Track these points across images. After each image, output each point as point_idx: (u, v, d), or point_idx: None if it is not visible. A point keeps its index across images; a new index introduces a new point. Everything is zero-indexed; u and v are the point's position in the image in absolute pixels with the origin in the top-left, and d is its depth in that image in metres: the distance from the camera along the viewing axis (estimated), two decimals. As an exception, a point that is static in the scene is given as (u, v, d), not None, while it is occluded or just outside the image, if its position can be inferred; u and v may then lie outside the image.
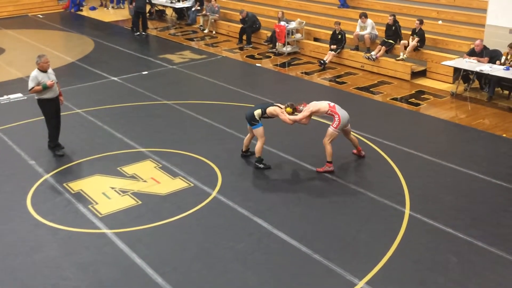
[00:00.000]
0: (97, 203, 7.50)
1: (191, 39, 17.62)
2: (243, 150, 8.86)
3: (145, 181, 8.10)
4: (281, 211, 7.27)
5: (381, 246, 6.39)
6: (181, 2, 20.20)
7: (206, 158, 8.78)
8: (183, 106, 11.21)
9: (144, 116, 10.79)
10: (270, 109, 8.29)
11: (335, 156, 8.45)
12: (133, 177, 8.23)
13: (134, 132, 9.90)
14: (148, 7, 19.22)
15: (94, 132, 9.98)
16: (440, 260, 6.14)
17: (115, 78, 13.32)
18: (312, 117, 8.43)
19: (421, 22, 12.98)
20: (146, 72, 13.84)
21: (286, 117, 8.23)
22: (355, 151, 8.70)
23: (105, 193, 7.77)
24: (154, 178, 8.18)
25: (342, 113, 8.12)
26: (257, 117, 8.30)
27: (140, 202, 7.51)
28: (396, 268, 6.02)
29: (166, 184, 8.00)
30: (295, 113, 8.36)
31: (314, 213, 7.20)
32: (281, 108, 8.32)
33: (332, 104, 8.21)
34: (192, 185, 7.96)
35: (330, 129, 8.17)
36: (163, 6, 21.01)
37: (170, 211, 7.27)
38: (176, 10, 20.52)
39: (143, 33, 18.25)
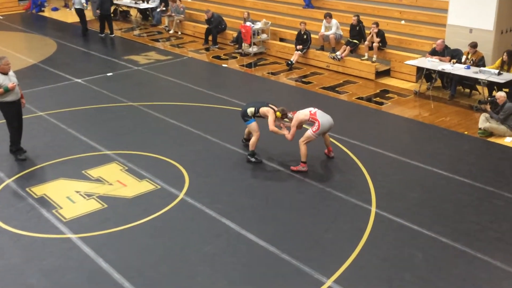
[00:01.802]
0: (61, 208, 7.35)
1: (157, 40, 17.47)
2: (244, 137, 9.13)
3: (111, 184, 7.98)
4: (249, 212, 7.27)
5: (348, 245, 6.45)
6: (145, 2, 20.02)
7: (173, 160, 8.71)
8: (149, 108, 11.10)
9: (109, 118, 10.64)
10: (263, 109, 8.46)
11: (295, 152, 8.49)
12: (98, 180, 8.10)
13: (99, 135, 9.75)
14: (113, 8, 19.00)
15: (57, 135, 9.79)
16: (406, 257, 6.23)
17: (79, 80, 13.10)
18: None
19: (377, 25, 13.15)
20: (110, 74, 13.65)
21: (271, 123, 8.35)
22: (326, 151, 8.76)
23: (69, 197, 7.62)
24: (120, 181, 8.07)
25: (323, 120, 8.17)
26: (249, 114, 8.48)
27: (106, 206, 7.39)
28: (363, 266, 6.09)
29: (132, 186, 7.90)
30: (285, 119, 8.53)
31: (282, 213, 7.22)
32: (273, 111, 8.42)
33: (314, 111, 8.26)
34: (159, 187, 7.88)
35: (309, 132, 8.22)
36: (128, 7, 20.76)
37: (137, 214, 7.19)
38: (140, 11, 20.32)
39: (111, 35, 17.91)
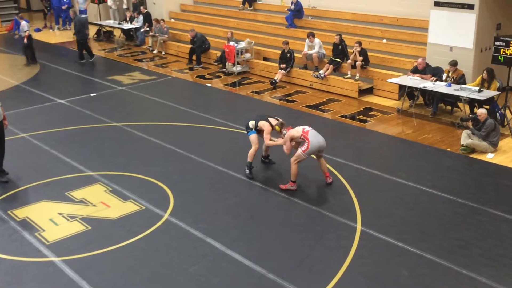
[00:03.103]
0: (44, 230, 7.25)
1: (140, 60, 17.48)
2: (262, 155, 9.19)
3: (94, 205, 7.91)
4: (234, 231, 7.24)
5: (334, 263, 6.44)
6: (129, 23, 20.06)
7: (157, 180, 8.66)
8: (133, 128, 11.06)
9: (92, 139, 10.58)
10: (261, 123, 8.64)
11: (287, 174, 8.51)
12: (82, 201, 8.01)
13: (83, 156, 9.67)
14: (96, 29, 18.98)
15: (40, 156, 9.69)
16: (392, 274, 6.23)
17: (62, 101, 13.02)
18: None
19: (360, 44, 13.32)
20: (94, 94, 13.60)
21: (266, 138, 8.53)
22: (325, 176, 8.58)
23: (52, 220, 7.52)
24: (104, 202, 7.99)
25: (313, 140, 8.09)
26: (251, 126, 8.68)
27: (89, 228, 7.30)
28: (349, 284, 6.07)
29: (116, 208, 7.83)
30: (282, 133, 8.57)
31: (267, 232, 7.19)
32: (271, 125, 8.56)
33: (307, 129, 8.22)
34: (144, 208, 7.82)
35: (299, 151, 8.16)
36: (111, 27, 20.79)
37: (121, 235, 7.11)
38: (124, 31, 20.35)
39: (90, 60, 17.32)
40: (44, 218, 7.57)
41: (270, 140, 8.68)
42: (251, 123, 8.72)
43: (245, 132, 8.90)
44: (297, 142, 8.37)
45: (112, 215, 7.62)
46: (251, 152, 8.68)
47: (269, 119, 8.73)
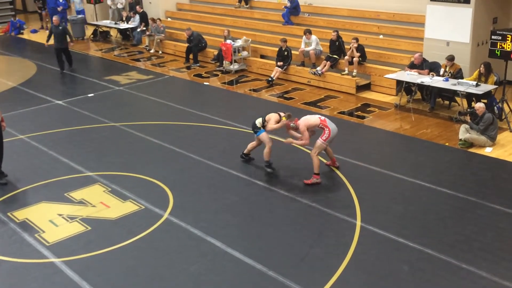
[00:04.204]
0: (44, 232, 7.25)
1: (137, 60, 17.46)
2: (244, 152, 9.13)
3: (94, 206, 7.90)
4: (234, 229, 7.24)
5: (335, 259, 6.45)
6: (126, 23, 20.03)
7: (156, 180, 8.66)
8: (131, 128, 11.05)
9: (91, 139, 10.57)
10: (268, 116, 8.63)
11: (286, 171, 8.52)
12: (81, 202, 8.01)
13: (81, 156, 9.66)
14: (92, 29, 18.94)
15: (39, 158, 9.68)
16: (392, 270, 6.24)
17: (60, 102, 13.01)
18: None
19: (357, 40, 13.32)
20: (92, 95, 13.58)
21: (271, 124, 8.51)
22: (329, 162, 8.82)
23: (52, 221, 7.52)
24: (103, 202, 7.99)
25: (332, 127, 8.29)
26: (258, 125, 8.64)
27: (89, 228, 7.30)
28: (350, 280, 6.08)
29: (116, 208, 7.82)
30: (290, 126, 8.50)
31: (268, 230, 7.20)
32: (279, 116, 8.55)
33: (323, 118, 8.36)
34: (143, 207, 7.82)
35: (319, 141, 8.25)
36: (108, 27, 20.76)
37: (121, 235, 7.11)
38: (121, 31, 20.31)
39: (69, 69, 16.00)
40: (43, 219, 7.57)
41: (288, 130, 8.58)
42: (258, 122, 8.67)
43: (252, 131, 8.85)
44: (312, 131, 8.40)
45: (112, 215, 7.62)
46: (266, 151, 8.67)
47: (278, 112, 8.73)
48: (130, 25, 19.79)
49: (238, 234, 7.11)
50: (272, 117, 8.59)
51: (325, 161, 8.91)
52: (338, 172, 8.77)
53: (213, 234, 7.06)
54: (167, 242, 6.97)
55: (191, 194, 8.24)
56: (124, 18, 20.28)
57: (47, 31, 22.64)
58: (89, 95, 13.56)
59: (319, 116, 8.42)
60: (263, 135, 8.66)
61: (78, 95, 13.53)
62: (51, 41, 15.72)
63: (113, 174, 8.90)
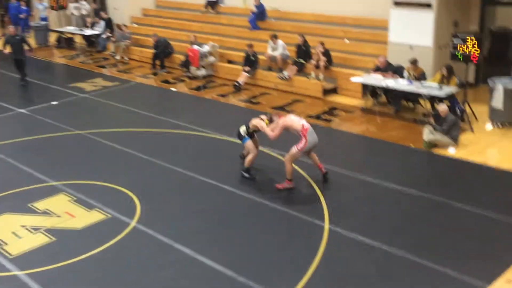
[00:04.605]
0: (6, 244, 7.06)
1: (103, 66, 17.25)
2: (244, 153, 9.06)
3: (58, 216, 7.74)
4: (204, 236, 7.19)
5: (304, 263, 6.46)
6: (90, 29, 19.77)
7: (123, 188, 8.54)
8: (97, 136, 10.89)
9: (55, 148, 10.37)
10: (252, 122, 8.54)
11: (256, 176, 8.51)
12: (45, 212, 7.84)
13: (45, 166, 9.47)
14: (57, 36, 18.63)
15: (0, 168, 9.44)
16: (360, 271, 6.29)
17: (23, 110, 12.73)
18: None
19: (323, 44, 13.45)
20: (56, 102, 13.34)
21: (266, 131, 8.36)
22: (319, 168, 8.59)
23: (15, 232, 7.33)
24: (68, 212, 7.84)
25: (310, 139, 8.04)
26: (243, 133, 8.57)
27: (54, 239, 7.15)
28: (319, 283, 6.10)
29: (82, 217, 7.68)
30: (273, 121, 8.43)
31: (237, 235, 7.18)
32: (262, 121, 8.47)
33: (306, 126, 8.10)
34: (110, 216, 7.70)
35: (294, 149, 8.09)
36: (72, 33, 20.46)
37: (88, 245, 6.97)
38: (85, 37, 20.04)
39: (23, 81, 14.94)
40: (6, 231, 7.37)
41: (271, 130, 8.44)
42: (243, 130, 8.62)
43: (211, 135, 8.85)
44: (288, 129, 8.20)
45: (78, 225, 7.48)
46: (250, 158, 8.61)
47: (260, 117, 8.68)
48: (95, 31, 19.55)
49: (207, 240, 7.06)
50: (260, 124, 8.44)
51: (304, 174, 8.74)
52: (306, 175, 8.80)
53: (182, 241, 6.99)
54: (135, 250, 6.87)
55: (159, 201, 8.16)
56: (88, 24, 20.02)
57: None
58: (53, 103, 13.31)
59: (304, 123, 8.16)
60: (248, 143, 8.63)
61: (41, 103, 13.27)
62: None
63: (78, 183, 8.75)
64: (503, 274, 5.93)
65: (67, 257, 6.72)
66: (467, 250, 6.63)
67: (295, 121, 8.19)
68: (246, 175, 8.70)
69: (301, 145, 8.04)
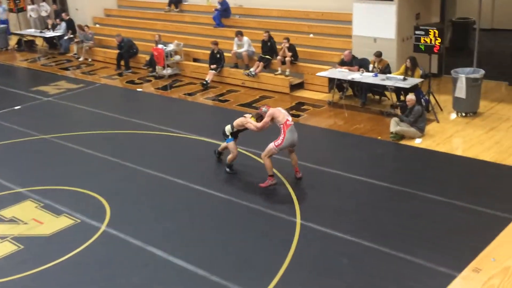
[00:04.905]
0: (-28, 254, 6.88)
1: (66, 69, 16.92)
2: (218, 150, 9.11)
3: (26, 223, 7.57)
4: (175, 237, 7.14)
5: (277, 259, 6.47)
6: (51, 31, 19.37)
7: (91, 191, 8.42)
8: (62, 139, 10.69)
9: (19, 153, 10.14)
10: (236, 122, 8.56)
11: (225, 175, 8.49)
12: (12, 220, 7.66)
13: (10, 172, 9.25)
14: (17, 39, 18.18)
15: (-37, 176, 9.20)
16: (333, 264, 6.35)
17: (-16, 116, 12.42)
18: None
19: (288, 40, 13.49)
20: (18, 107, 13.03)
21: (251, 125, 8.35)
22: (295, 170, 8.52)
23: (-19, 242, 7.16)
24: (36, 219, 7.68)
25: (289, 136, 8.00)
26: (227, 133, 8.59)
27: (22, 247, 6.99)
28: (292, 278, 6.13)
29: (50, 223, 7.54)
30: (261, 111, 8.40)
31: (209, 235, 7.15)
32: (246, 118, 8.45)
33: (289, 122, 8.07)
34: (79, 221, 7.57)
35: (271, 145, 8.06)
36: (33, 36, 20.01)
37: (57, 252, 6.85)
38: (47, 39, 19.61)
39: None
40: (-28, 241, 7.19)
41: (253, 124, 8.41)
42: (227, 128, 8.63)
43: (180, 135, 8.79)
44: (274, 123, 8.15)
45: (46, 232, 7.33)
46: (230, 158, 8.68)
47: (244, 116, 8.69)
48: (56, 33, 19.15)
49: (179, 241, 7.02)
50: (245, 122, 8.42)
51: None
52: (277, 172, 8.81)
53: (154, 243, 6.93)
54: (106, 255, 6.78)
55: (128, 203, 8.07)
56: (49, 26, 19.61)
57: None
58: (16, 107, 13.00)
59: (289, 119, 8.10)
60: (230, 144, 8.63)
61: (3, 108, 12.94)
62: None
63: (45, 189, 8.57)
64: (471, 262, 6.05)
65: (36, 265, 6.59)
66: (436, 239, 6.75)
67: (282, 114, 8.15)
68: (228, 170, 8.77)
69: (278, 141, 8.02)
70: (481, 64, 12.17)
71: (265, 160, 8.19)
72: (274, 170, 8.82)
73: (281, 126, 8.07)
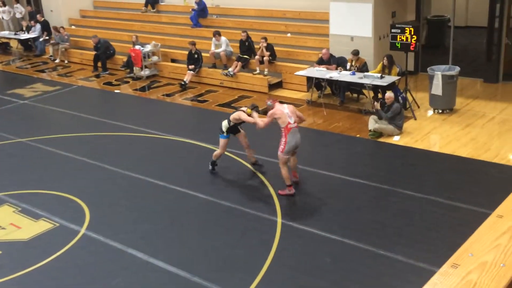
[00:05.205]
0: (-52, 261, 6.76)
1: (42, 71, 16.71)
2: (251, 161, 8.93)
3: (3, 228, 7.46)
4: (156, 238, 7.10)
5: (258, 259, 6.49)
6: (26, 33, 19.09)
7: (70, 194, 8.32)
8: (40, 142, 10.55)
9: (-4, 158, 9.98)
10: (233, 116, 8.47)
11: (205, 176, 8.46)
12: (-11, 226, 7.55)
13: (-14, 177, 9.10)
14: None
15: None
16: (315, 263, 6.37)
17: (-42, 120, 12.19)
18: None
19: (266, 39, 13.51)
20: (-6, 110, 12.85)
21: (249, 118, 8.27)
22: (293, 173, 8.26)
23: (-43, 249, 7.03)
24: (13, 223, 7.57)
25: (291, 140, 7.69)
26: (223, 129, 8.47)
27: (0, 252, 6.89)
28: (274, 277, 6.14)
29: (28, 228, 7.43)
30: (269, 104, 8.17)
31: (190, 235, 7.13)
32: (244, 112, 8.37)
33: (291, 126, 7.72)
34: (58, 225, 7.49)
35: (279, 154, 7.79)
36: (7, 38, 19.70)
37: (36, 256, 6.76)
38: (21, 41, 19.33)
39: None
40: None
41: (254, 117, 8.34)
42: (224, 124, 8.53)
43: (159, 136, 8.75)
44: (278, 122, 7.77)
45: (24, 236, 7.23)
46: (216, 153, 8.65)
47: (240, 109, 8.65)
48: (31, 34, 18.89)
49: (159, 243, 6.98)
50: (241, 115, 8.35)
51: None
52: (257, 172, 8.83)
53: (134, 245, 6.88)
54: (86, 258, 6.71)
55: (108, 206, 8.00)
56: (24, 28, 19.33)
57: None
58: (-9, 111, 12.82)
59: (291, 121, 7.72)
60: (222, 141, 8.56)
61: (-22, 112, 12.75)
62: None
63: (22, 193, 8.45)
64: (450, 258, 6.14)
65: (15, 270, 6.50)
66: (416, 235, 6.82)
67: (284, 115, 7.74)
68: (211, 167, 8.76)
69: (281, 146, 7.73)
70: (456, 61, 12.37)
71: (282, 169, 7.84)
72: (255, 171, 8.84)
73: (282, 129, 7.74)
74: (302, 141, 10.28)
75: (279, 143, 7.82)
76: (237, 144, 8.99)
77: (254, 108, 8.48)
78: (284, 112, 7.81)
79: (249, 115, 8.40)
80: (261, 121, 8.25)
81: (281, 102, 8.58)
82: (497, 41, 12.30)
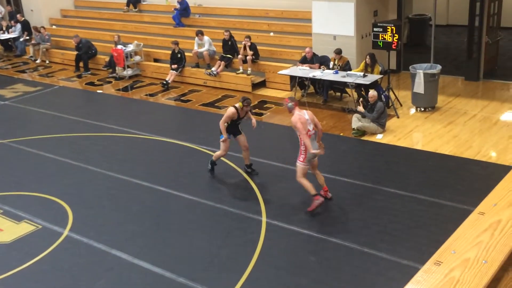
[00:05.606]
0: None
1: (23, 71, 16.51)
2: (245, 163, 8.78)
3: (-15, 231, 7.37)
4: (140, 239, 7.06)
5: (243, 258, 6.49)
6: (6, 33, 18.85)
7: (53, 196, 8.24)
8: (21, 144, 10.43)
9: (-24, 160, 9.85)
10: (226, 114, 8.37)
11: (189, 176, 8.43)
12: (-30, 229, 7.44)
13: (-34, 179, 8.98)
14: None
15: None
16: (300, 262, 6.40)
17: None
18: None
19: (249, 38, 13.51)
20: (-27, 112, 12.66)
21: (222, 120, 8.32)
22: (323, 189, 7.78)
23: None
24: (-5, 226, 7.48)
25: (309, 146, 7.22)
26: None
27: (-19, 256, 6.81)
28: (260, 277, 6.15)
29: (10, 230, 7.35)
30: (285, 105, 7.77)
31: (174, 236, 7.10)
32: (235, 108, 8.31)
33: (311, 132, 7.30)
34: (40, 227, 7.41)
35: (298, 164, 7.39)
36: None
37: (18, 259, 6.69)
38: (1, 41, 19.08)
39: None
40: None
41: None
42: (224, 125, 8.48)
43: (142, 136, 8.69)
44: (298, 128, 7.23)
45: (6, 239, 7.15)
46: (217, 154, 8.59)
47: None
48: (11, 35, 18.66)
49: (144, 244, 6.94)
50: (228, 112, 8.31)
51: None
52: (241, 171, 8.83)
53: (118, 246, 6.84)
54: (69, 260, 6.66)
55: (91, 207, 7.93)
56: (4, 28, 19.08)
57: None
58: (-29, 112, 12.64)
59: (309, 128, 7.27)
60: (223, 143, 8.43)
61: (-42, 113, 12.56)
62: None
63: (4, 195, 8.35)
64: (433, 255, 6.20)
65: (-3, 273, 6.42)
66: (399, 232, 6.88)
67: (303, 124, 7.24)
68: (209, 166, 8.71)
69: (302, 155, 7.31)
70: (438, 59, 12.48)
71: (301, 181, 7.43)
72: (239, 170, 8.83)
73: (300, 137, 7.31)
74: (285, 140, 10.34)
75: (299, 153, 7.37)
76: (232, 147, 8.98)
77: (245, 101, 8.42)
78: (304, 117, 7.34)
79: (241, 109, 8.33)
80: (302, 134, 7.30)
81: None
82: (478, 40, 12.45)
